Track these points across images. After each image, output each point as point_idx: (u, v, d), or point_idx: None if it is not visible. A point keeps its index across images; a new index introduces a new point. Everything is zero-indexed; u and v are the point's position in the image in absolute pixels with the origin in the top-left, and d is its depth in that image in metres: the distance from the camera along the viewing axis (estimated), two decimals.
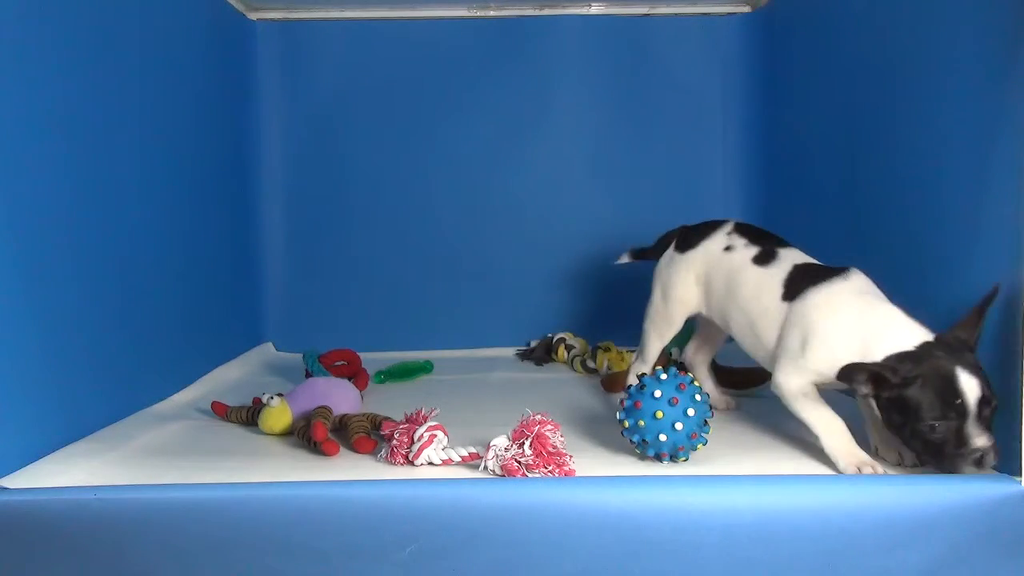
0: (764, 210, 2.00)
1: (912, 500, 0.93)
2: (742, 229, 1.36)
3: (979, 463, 0.98)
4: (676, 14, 2.06)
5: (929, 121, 1.22)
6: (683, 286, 1.39)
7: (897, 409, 1.02)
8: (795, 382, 1.14)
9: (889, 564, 0.92)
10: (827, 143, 1.62)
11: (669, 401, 1.07)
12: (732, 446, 1.18)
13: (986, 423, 0.98)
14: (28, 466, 1.07)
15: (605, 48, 2.06)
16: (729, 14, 2.05)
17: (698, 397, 1.09)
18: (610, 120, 2.07)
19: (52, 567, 0.94)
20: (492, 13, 2.05)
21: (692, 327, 1.53)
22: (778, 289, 1.22)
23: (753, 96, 2.03)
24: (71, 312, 1.21)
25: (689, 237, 1.42)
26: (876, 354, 1.04)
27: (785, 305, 1.19)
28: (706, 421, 1.10)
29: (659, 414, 1.06)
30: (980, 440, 0.97)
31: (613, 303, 2.07)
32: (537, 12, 2.05)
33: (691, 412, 1.07)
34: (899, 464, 1.08)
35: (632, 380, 1.35)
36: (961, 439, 0.98)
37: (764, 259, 1.28)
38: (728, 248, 1.34)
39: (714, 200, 2.06)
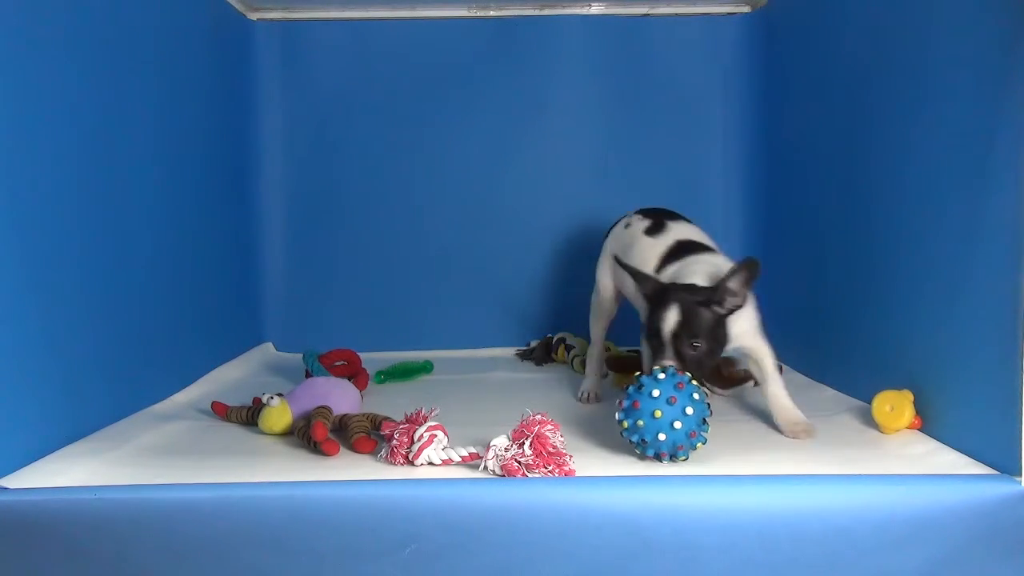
0: (763, 209, 2.00)
1: (912, 500, 0.93)
2: (644, 211, 1.53)
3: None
4: (676, 14, 2.05)
5: (929, 121, 1.22)
6: (602, 269, 1.58)
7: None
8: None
9: (889, 564, 0.92)
10: (827, 143, 1.62)
11: (667, 400, 1.07)
12: (732, 446, 1.18)
13: (678, 353, 1.18)
14: (28, 466, 1.06)
15: (605, 48, 2.05)
16: (729, 14, 2.05)
17: (696, 396, 1.09)
18: (610, 120, 2.07)
19: (52, 567, 0.95)
20: (492, 13, 2.05)
21: None
22: (655, 261, 1.37)
23: (753, 96, 2.03)
24: (72, 312, 1.21)
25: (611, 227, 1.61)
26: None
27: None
28: (705, 420, 1.10)
29: (658, 413, 1.06)
30: (666, 360, 1.17)
31: None
32: (537, 12, 2.05)
33: (689, 411, 1.07)
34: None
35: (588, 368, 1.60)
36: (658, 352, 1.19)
37: (654, 231, 1.44)
38: (628, 225, 1.52)
39: (714, 199, 2.06)
